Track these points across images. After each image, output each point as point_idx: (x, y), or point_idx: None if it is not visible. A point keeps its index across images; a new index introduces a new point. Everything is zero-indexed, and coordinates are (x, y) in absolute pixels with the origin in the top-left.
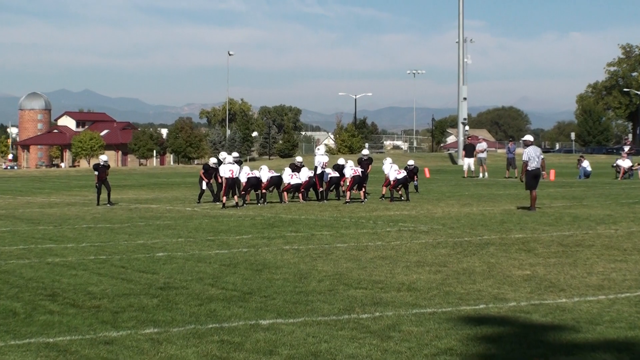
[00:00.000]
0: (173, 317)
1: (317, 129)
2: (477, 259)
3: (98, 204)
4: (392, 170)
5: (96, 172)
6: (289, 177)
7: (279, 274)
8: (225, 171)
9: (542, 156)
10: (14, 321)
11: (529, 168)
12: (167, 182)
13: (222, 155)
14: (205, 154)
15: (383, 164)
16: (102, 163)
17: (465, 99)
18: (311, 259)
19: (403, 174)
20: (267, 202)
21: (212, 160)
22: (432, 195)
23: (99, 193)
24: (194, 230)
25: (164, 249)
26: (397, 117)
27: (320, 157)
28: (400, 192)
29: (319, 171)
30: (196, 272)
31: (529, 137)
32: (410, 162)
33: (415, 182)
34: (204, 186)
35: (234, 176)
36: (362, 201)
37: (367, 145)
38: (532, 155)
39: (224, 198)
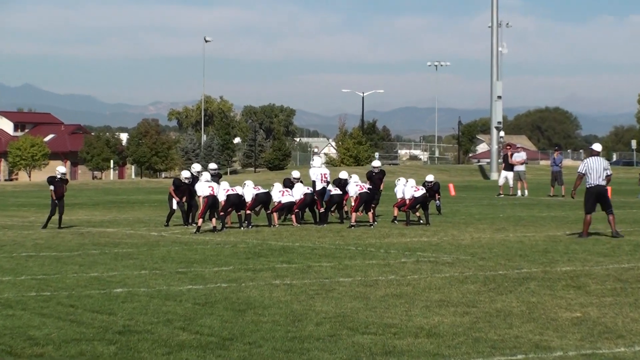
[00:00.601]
0: None
1: (315, 134)
2: (514, 298)
3: (45, 227)
4: (408, 187)
5: (52, 187)
6: (280, 195)
7: (267, 316)
8: (205, 188)
9: (609, 171)
10: None
11: (588, 185)
12: (128, 200)
13: (195, 168)
14: (175, 165)
15: (395, 185)
16: (59, 176)
17: (499, 97)
18: (307, 296)
19: (422, 191)
20: (252, 226)
21: (185, 175)
22: (459, 218)
23: (52, 213)
24: (160, 261)
25: (124, 284)
26: (415, 119)
27: (318, 169)
28: (418, 214)
29: (319, 186)
30: (163, 312)
31: (596, 146)
32: (430, 177)
33: (437, 201)
34: (175, 205)
35: (214, 193)
36: (371, 225)
37: (377, 155)
38: (592, 168)
39: (200, 220)
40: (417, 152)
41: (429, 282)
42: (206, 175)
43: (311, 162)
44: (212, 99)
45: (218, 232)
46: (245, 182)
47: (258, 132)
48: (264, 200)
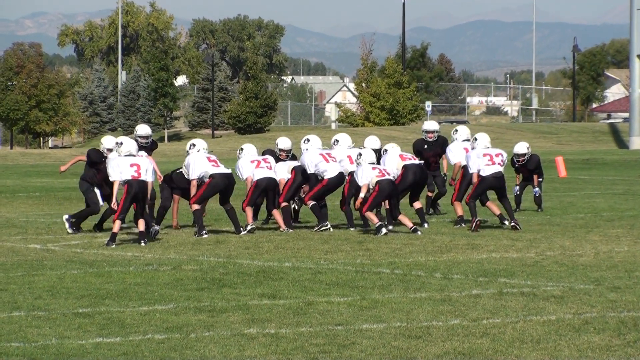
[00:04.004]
0: None
1: (320, 69)
2: None
3: None
4: (474, 158)
5: None
6: (251, 167)
7: None
8: (123, 168)
9: None
10: None
11: None
12: None
13: (127, 146)
14: (71, 125)
15: (453, 139)
16: None
17: None
18: (307, 356)
19: (495, 167)
20: (207, 231)
21: (107, 143)
22: (573, 217)
23: None
24: (47, 294)
25: None
26: (496, 43)
27: (313, 156)
28: (497, 210)
29: (331, 171)
30: None
31: None
32: (521, 147)
33: (536, 189)
34: (100, 199)
35: (142, 177)
36: (416, 229)
37: (429, 105)
38: None
39: (117, 224)
40: (499, 100)
41: (520, 331)
42: (129, 145)
43: (303, 145)
44: (136, 7)
45: (147, 243)
46: (188, 156)
47: (219, 67)
48: (223, 186)
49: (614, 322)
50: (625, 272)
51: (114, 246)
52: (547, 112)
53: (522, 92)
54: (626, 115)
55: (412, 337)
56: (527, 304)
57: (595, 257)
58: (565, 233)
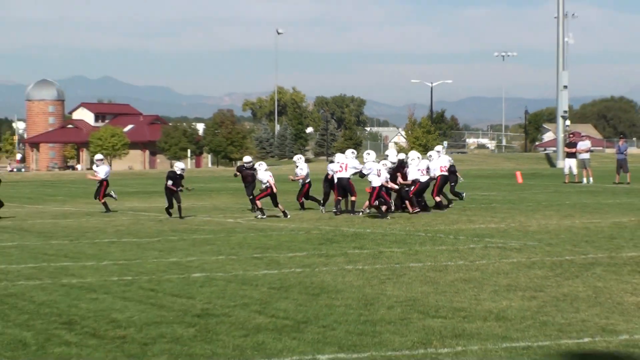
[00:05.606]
0: (213, 351)
1: (385, 123)
2: (580, 283)
3: (170, 216)
4: (415, 171)
5: (170, 182)
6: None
7: (339, 299)
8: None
9: None
10: (24, 353)
11: None
12: (205, 188)
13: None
14: (250, 154)
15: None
16: (178, 172)
17: (565, 87)
18: (379, 281)
19: (427, 177)
20: (339, 211)
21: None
22: (526, 205)
23: (170, 205)
24: (237, 247)
25: (202, 269)
26: (482, 109)
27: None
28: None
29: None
30: (240, 296)
31: None
32: (394, 154)
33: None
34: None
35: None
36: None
37: (445, 144)
38: None
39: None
40: (484, 140)
41: (497, 267)
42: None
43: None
44: (284, 89)
45: (287, 217)
46: (259, 163)
47: (330, 122)
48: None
49: (549, 263)
50: (555, 235)
51: (265, 218)
52: (511, 147)
53: (497, 136)
54: (554, 148)
55: (437, 271)
56: (501, 252)
57: (538, 227)
58: (521, 213)
